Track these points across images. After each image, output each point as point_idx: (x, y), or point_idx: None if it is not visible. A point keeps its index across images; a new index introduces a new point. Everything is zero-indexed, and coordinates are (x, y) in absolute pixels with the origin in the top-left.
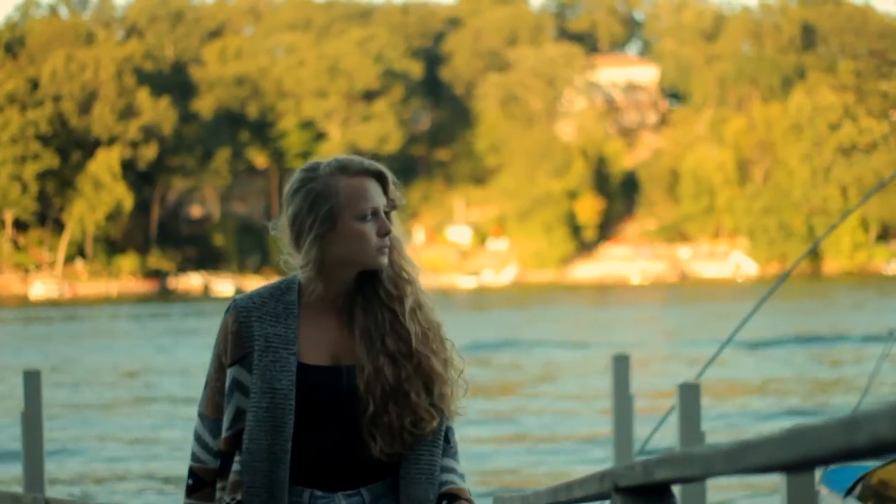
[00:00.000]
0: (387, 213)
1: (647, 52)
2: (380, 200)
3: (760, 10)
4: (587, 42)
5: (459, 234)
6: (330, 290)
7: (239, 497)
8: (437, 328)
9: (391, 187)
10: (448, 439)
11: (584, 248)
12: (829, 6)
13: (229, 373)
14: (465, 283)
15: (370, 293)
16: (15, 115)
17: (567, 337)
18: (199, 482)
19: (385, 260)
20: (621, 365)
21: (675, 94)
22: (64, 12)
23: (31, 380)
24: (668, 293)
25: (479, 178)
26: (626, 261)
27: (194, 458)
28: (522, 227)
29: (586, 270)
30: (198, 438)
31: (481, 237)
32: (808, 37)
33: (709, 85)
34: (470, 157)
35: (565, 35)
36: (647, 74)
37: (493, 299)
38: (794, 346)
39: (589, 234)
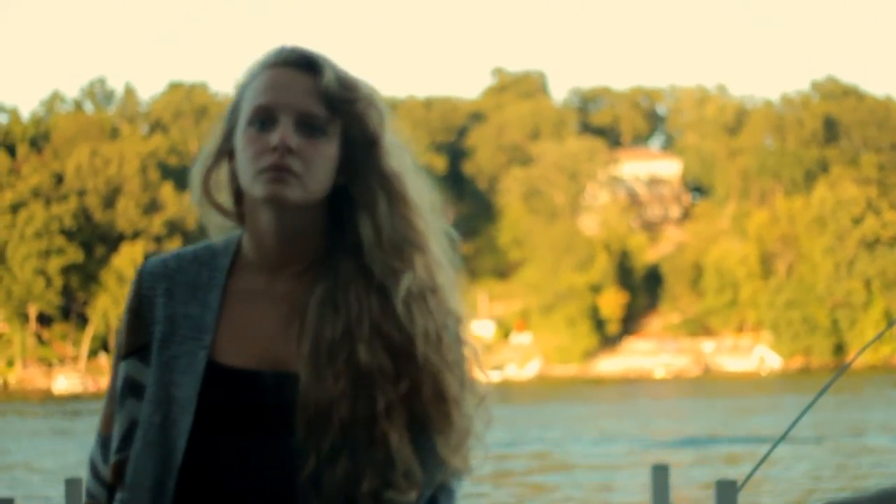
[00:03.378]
0: (312, 125)
1: (669, 145)
2: (291, 98)
3: (782, 104)
4: (610, 136)
5: (483, 327)
6: (262, 250)
7: None
8: (457, 326)
9: (336, 84)
10: None
11: (608, 341)
12: (851, 100)
13: (122, 368)
14: (489, 377)
15: (346, 262)
16: (39, 209)
17: (595, 434)
18: None
19: (277, 190)
20: (660, 475)
21: (697, 188)
22: (89, 107)
23: (73, 489)
24: (692, 387)
25: (503, 271)
26: (649, 355)
27: (88, 495)
28: (546, 321)
29: (610, 364)
30: (91, 467)
31: (505, 331)
32: (831, 130)
33: (731, 178)
34: (493, 251)
35: (588, 129)
36: (670, 168)
37: (517, 394)
38: (825, 442)
39: (612, 327)
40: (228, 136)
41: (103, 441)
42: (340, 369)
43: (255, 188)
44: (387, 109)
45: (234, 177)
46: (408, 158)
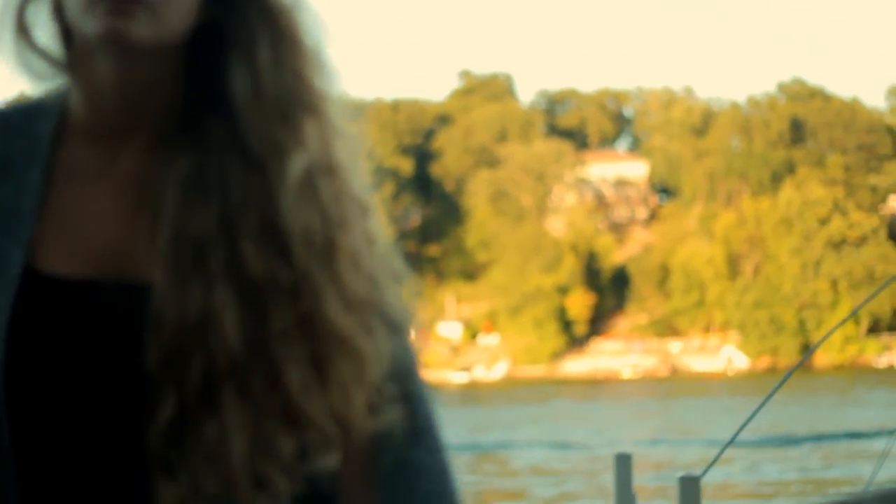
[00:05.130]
0: None
1: (636, 147)
2: None
3: (749, 106)
4: (577, 138)
5: (450, 329)
6: (98, 112)
7: None
8: (362, 222)
9: None
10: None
11: (575, 343)
12: (818, 101)
13: None
14: (457, 378)
15: (218, 128)
16: None
17: (562, 435)
18: None
19: (118, 26)
20: (623, 464)
21: (664, 190)
22: None
23: None
24: (659, 388)
25: (470, 273)
26: (616, 355)
27: None
28: (513, 323)
29: (577, 365)
30: None
31: (472, 333)
32: (797, 132)
33: (698, 180)
34: (460, 253)
35: (555, 131)
36: (637, 170)
37: (484, 395)
38: (790, 443)
39: (580, 329)
40: None
41: None
42: (215, 274)
43: (88, 23)
44: None
45: (58, 8)
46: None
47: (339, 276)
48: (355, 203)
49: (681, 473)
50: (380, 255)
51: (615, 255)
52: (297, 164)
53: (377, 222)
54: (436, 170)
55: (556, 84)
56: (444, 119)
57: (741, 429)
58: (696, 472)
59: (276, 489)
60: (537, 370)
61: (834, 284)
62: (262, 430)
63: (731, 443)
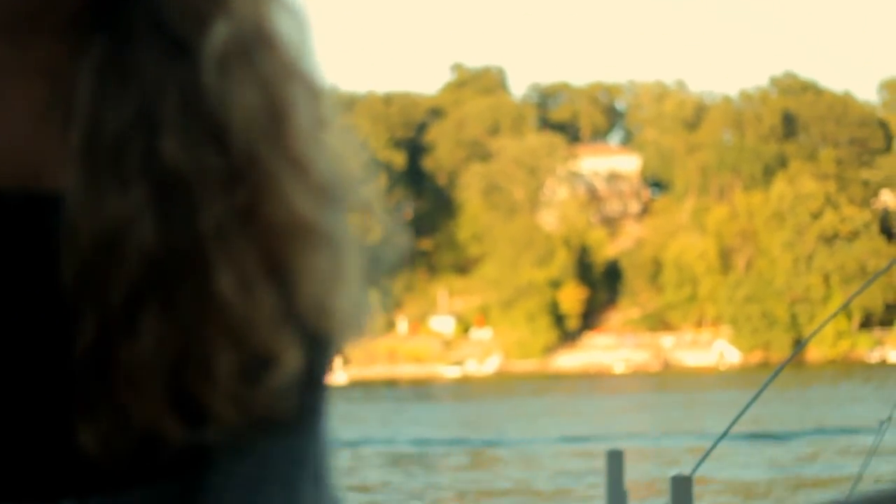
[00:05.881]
0: None
1: (628, 141)
2: None
3: (741, 100)
4: (569, 132)
5: (442, 323)
6: (8, 2)
7: None
8: (312, 100)
9: None
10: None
11: (568, 337)
12: (810, 95)
13: None
14: (449, 373)
15: (132, 10)
16: None
17: (555, 430)
18: None
19: None
20: (615, 461)
21: (657, 183)
22: None
23: None
24: (651, 382)
25: (462, 267)
26: (609, 350)
27: None
28: (505, 317)
29: (569, 360)
30: None
31: (464, 327)
32: (789, 125)
33: (690, 174)
34: (453, 247)
35: (547, 125)
36: (629, 164)
37: (476, 389)
38: (782, 438)
39: (572, 323)
40: None
41: None
42: (131, 174)
43: None
44: None
45: None
46: None
47: (294, 155)
48: (303, 81)
49: (673, 471)
50: (337, 144)
51: (607, 249)
52: (219, 34)
53: (329, 106)
54: (428, 163)
55: (548, 77)
56: (436, 112)
57: (733, 423)
58: (688, 468)
59: (216, 415)
60: (529, 364)
61: (826, 279)
62: (194, 347)
63: (722, 438)
